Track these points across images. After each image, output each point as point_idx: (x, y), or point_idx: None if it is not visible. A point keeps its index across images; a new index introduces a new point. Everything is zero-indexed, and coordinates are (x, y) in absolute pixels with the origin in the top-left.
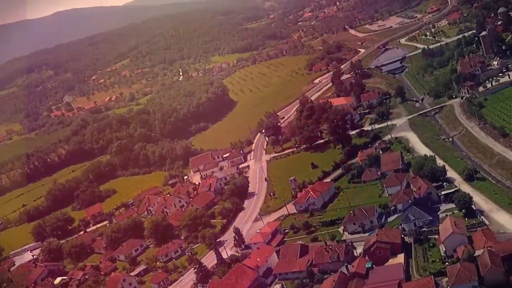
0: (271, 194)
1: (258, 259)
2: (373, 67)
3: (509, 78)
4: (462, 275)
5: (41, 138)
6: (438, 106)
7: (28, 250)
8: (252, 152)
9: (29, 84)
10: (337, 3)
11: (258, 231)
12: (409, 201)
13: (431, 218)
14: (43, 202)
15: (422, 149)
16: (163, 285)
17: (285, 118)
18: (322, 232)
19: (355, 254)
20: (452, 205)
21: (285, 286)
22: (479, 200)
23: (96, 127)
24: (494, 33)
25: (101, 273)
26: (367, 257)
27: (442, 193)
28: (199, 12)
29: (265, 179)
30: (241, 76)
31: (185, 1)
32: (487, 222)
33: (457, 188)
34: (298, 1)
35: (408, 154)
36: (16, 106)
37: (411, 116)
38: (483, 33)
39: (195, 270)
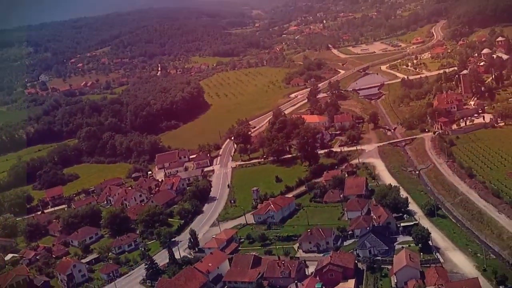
0: (232, 201)
1: (210, 264)
2: (351, 89)
3: (483, 120)
4: None
5: (12, 113)
6: (409, 137)
7: None
8: (219, 157)
9: (8, 58)
10: (324, 21)
11: (214, 236)
12: (368, 228)
13: (387, 248)
14: (5, 177)
15: (388, 178)
16: (113, 276)
17: (256, 128)
18: (277, 247)
19: (307, 273)
20: (409, 238)
21: None
22: (437, 237)
23: (68, 110)
24: (475, 73)
25: (53, 255)
26: (318, 278)
27: (402, 224)
28: (186, 10)
29: (228, 185)
30: (219, 80)
31: None
32: (441, 260)
33: (417, 222)
34: (285, 14)
35: (373, 181)
36: None
37: (381, 144)
38: (464, 71)
39: (146, 266)
